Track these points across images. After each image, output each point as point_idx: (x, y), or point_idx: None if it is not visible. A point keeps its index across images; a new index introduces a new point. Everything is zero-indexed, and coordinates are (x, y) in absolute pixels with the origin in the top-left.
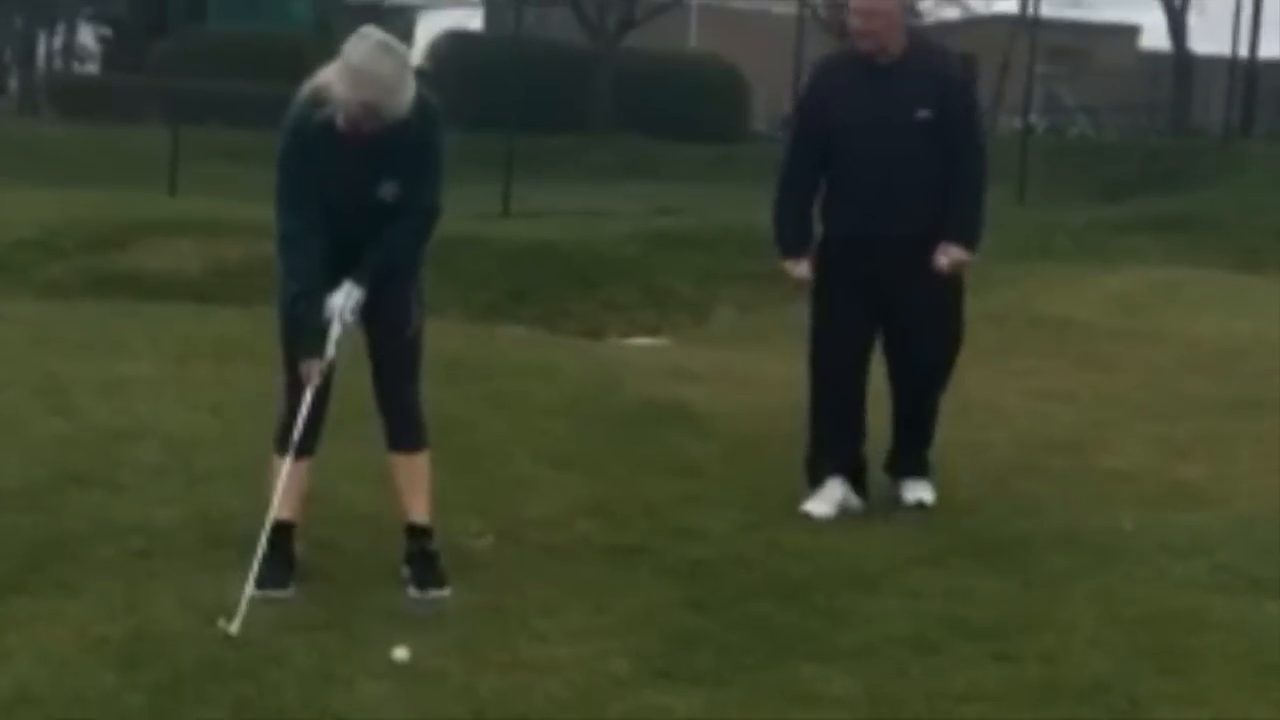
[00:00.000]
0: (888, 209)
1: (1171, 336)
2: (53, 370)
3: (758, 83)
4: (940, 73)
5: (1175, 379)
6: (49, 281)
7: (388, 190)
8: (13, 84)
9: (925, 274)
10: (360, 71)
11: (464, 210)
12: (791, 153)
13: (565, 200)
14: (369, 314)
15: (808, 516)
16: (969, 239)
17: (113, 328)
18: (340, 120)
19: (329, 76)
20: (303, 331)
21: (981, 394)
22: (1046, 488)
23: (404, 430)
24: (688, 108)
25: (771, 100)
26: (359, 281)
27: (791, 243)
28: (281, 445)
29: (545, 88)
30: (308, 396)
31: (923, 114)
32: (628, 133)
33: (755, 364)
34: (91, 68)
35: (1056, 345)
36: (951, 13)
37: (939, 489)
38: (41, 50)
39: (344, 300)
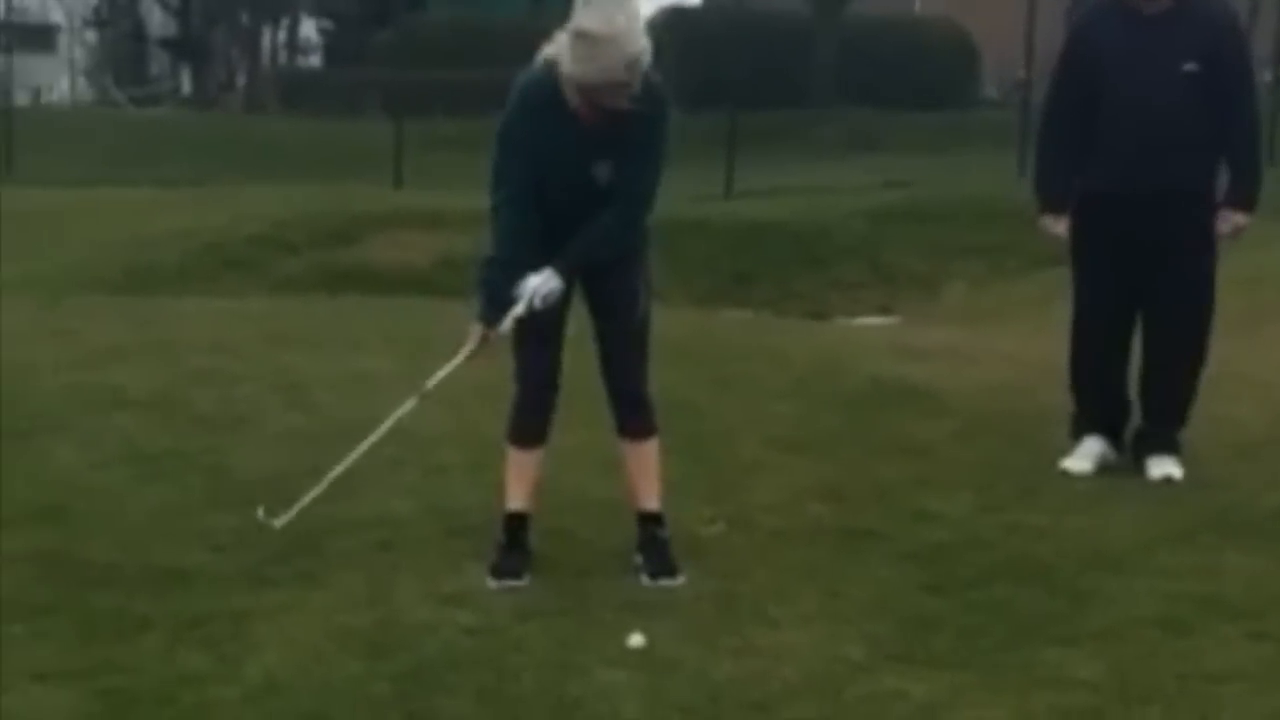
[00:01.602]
0: (1149, 165)
1: None
2: (289, 365)
3: (987, 46)
4: (1212, 22)
5: None
6: (281, 277)
7: (602, 172)
8: (240, 80)
9: (1187, 235)
10: (587, 32)
11: (685, 192)
12: (1052, 99)
13: (789, 177)
14: (596, 300)
15: (1066, 473)
16: (1249, 204)
17: (346, 322)
18: (570, 96)
19: (560, 48)
20: (489, 297)
21: (1232, 364)
22: None
23: (633, 416)
24: (914, 75)
25: (1002, 64)
26: (559, 270)
27: (1049, 195)
28: (514, 437)
29: (766, 61)
30: (464, 353)
31: (1190, 66)
32: (852, 104)
33: (987, 340)
34: (314, 61)
35: None
36: None
37: (1186, 464)
38: (266, 45)
39: (540, 284)
